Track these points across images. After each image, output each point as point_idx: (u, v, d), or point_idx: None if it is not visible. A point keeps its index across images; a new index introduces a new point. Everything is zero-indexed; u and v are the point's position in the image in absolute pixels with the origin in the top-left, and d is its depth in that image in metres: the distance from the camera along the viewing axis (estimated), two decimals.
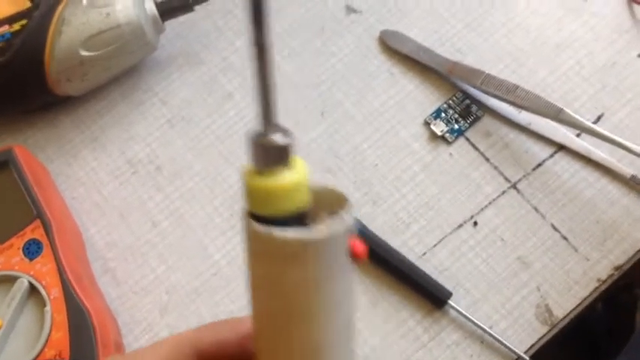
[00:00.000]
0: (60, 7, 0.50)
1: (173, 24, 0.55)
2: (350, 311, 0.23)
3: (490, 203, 0.48)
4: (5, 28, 0.50)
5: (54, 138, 0.54)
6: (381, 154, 0.51)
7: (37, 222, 0.47)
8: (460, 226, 0.48)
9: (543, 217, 0.48)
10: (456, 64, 0.51)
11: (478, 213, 0.48)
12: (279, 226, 0.20)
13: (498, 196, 0.48)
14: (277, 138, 0.20)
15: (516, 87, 0.48)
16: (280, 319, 0.22)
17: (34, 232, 0.46)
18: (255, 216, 0.21)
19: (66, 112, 0.54)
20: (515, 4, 0.54)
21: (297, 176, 0.20)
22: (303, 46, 0.55)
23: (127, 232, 0.51)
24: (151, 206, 0.51)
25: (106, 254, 0.50)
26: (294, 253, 0.20)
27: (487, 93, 0.49)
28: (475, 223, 0.48)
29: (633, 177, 0.48)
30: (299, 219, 0.21)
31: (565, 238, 0.47)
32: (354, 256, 0.22)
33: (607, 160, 0.48)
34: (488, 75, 0.50)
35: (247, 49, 0.55)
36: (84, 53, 0.50)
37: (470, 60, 0.52)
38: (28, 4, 0.52)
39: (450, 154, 0.50)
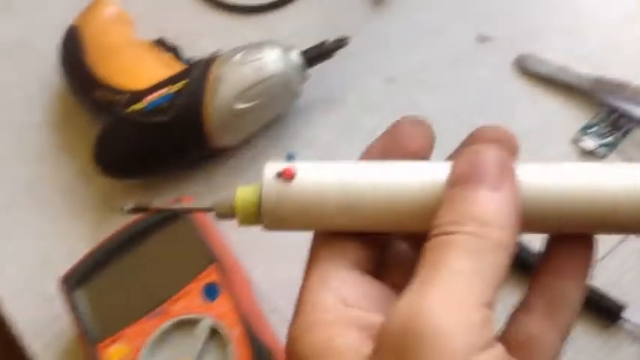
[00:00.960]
0: (214, 66, 0.54)
1: (312, 71, 0.57)
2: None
3: None
4: (167, 90, 0.54)
5: (212, 188, 0.57)
6: None
7: (213, 266, 0.49)
8: (624, 240, 0.48)
9: None
10: (599, 79, 0.52)
11: None
12: None
13: None
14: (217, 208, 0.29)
15: None
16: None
17: (210, 275, 0.49)
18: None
19: (220, 162, 0.58)
20: None
21: (242, 203, 0.29)
22: (438, 79, 0.57)
23: (291, 269, 0.52)
24: None
25: (272, 294, 0.52)
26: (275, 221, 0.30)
27: (637, 104, 0.50)
28: None
29: None
30: None
31: None
32: (284, 177, 0.29)
33: None
34: (637, 86, 0.50)
35: (384, 87, 0.58)
36: (238, 106, 0.53)
37: (612, 74, 0.53)
38: (183, 67, 0.56)
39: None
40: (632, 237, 0.47)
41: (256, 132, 0.57)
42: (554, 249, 0.29)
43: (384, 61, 0.59)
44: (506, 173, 0.26)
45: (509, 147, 0.28)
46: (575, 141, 0.51)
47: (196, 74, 0.54)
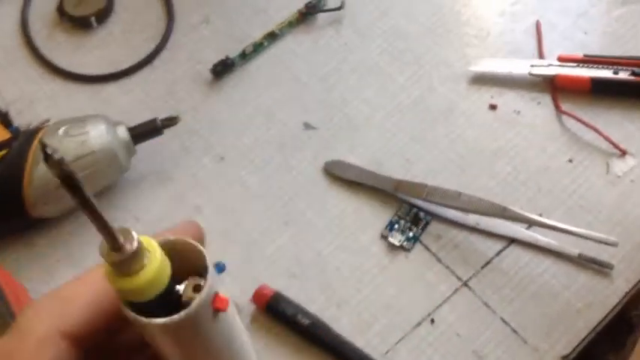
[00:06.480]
0: (37, 137, 0.54)
1: (144, 145, 0.58)
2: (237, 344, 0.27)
3: (445, 301, 0.52)
4: None
5: (32, 259, 0.56)
6: (342, 258, 0.55)
7: None
8: (419, 324, 0.52)
9: (494, 312, 0.52)
10: (400, 181, 0.56)
11: (434, 311, 0.52)
12: (151, 307, 0.23)
13: (452, 295, 0.52)
14: (125, 249, 0.22)
15: (459, 194, 0.53)
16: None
17: None
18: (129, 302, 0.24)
19: (42, 233, 0.57)
20: (455, 118, 0.60)
21: (152, 271, 0.23)
22: (265, 161, 0.60)
23: None
24: None
25: None
26: (163, 330, 0.24)
27: (433, 203, 0.54)
28: (432, 321, 0.52)
29: (580, 255, 0.52)
30: (169, 290, 0.24)
31: (515, 331, 0.51)
32: (216, 309, 0.25)
33: (554, 244, 0.53)
34: (432, 187, 0.55)
35: (213, 165, 0.60)
36: None
37: (417, 169, 0.58)
38: (8, 135, 0.56)
39: (406, 256, 0.54)
40: (422, 324, 0.51)
41: None
42: None
43: (216, 141, 0.61)
44: None
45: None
46: (384, 237, 0.55)
47: (19, 145, 0.54)
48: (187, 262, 0.25)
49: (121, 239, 0.22)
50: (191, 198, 0.59)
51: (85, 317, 0.26)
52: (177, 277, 0.24)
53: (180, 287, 0.24)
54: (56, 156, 0.20)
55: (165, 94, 0.64)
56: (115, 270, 0.22)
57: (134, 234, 0.22)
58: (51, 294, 0.27)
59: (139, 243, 0.22)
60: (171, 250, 0.24)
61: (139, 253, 0.22)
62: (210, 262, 0.25)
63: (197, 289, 0.24)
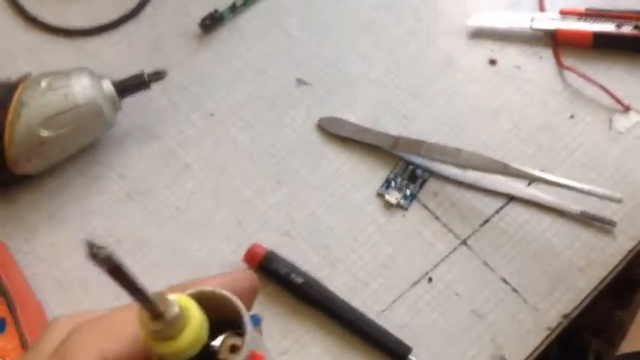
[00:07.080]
0: (19, 91, 0.52)
1: (130, 100, 0.56)
2: None
3: (443, 260, 0.51)
4: None
5: (12, 215, 0.54)
6: (337, 217, 0.53)
7: (0, 299, 0.47)
8: (416, 282, 0.50)
9: (493, 270, 0.50)
10: (397, 138, 0.54)
11: (432, 269, 0.51)
12: None
13: (450, 253, 0.51)
14: (167, 316, 0.21)
15: (459, 150, 0.51)
16: None
17: None
18: None
19: (24, 190, 0.55)
20: (453, 73, 0.58)
21: (192, 333, 0.22)
22: (257, 118, 0.57)
23: (89, 305, 0.51)
24: None
25: None
26: None
27: (432, 159, 0.52)
28: (430, 280, 0.50)
29: (583, 212, 0.51)
30: (205, 347, 0.23)
31: (515, 290, 0.49)
32: None
33: (556, 202, 0.51)
34: (430, 144, 0.53)
35: (203, 122, 0.58)
36: (43, 134, 0.51)
37: (415, 126, 0.56)
38: None
39: (403, 215, 0.53)
40: (419, 283, 0.50)
41: (64, 160, 0.55)
42: None
43: (205, 96, 0.58)
44: None
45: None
46: (380, 195, 0.53)
47: None
48: (223, 311, 0.24)
49: (162, 307, 0.21)
50: (179, 156, 0.57)
51: (128, 348, 0.26)
52: (212, 328, 0.23)
53: (216, 343, 0.24)
54: (103, 253, 0.19)
55: (152, 49, 0.61)
56: (154, 335, 0.22)
57: (172, 298, 0.22)
58: (98, 320, 0.27)
59: (179, 308, 0.22)
60: (207, 299, 0.24)
61: (178, 317, 0.22)
62: (247, 320, 0.24)
63: (234, 349, 0.24)
